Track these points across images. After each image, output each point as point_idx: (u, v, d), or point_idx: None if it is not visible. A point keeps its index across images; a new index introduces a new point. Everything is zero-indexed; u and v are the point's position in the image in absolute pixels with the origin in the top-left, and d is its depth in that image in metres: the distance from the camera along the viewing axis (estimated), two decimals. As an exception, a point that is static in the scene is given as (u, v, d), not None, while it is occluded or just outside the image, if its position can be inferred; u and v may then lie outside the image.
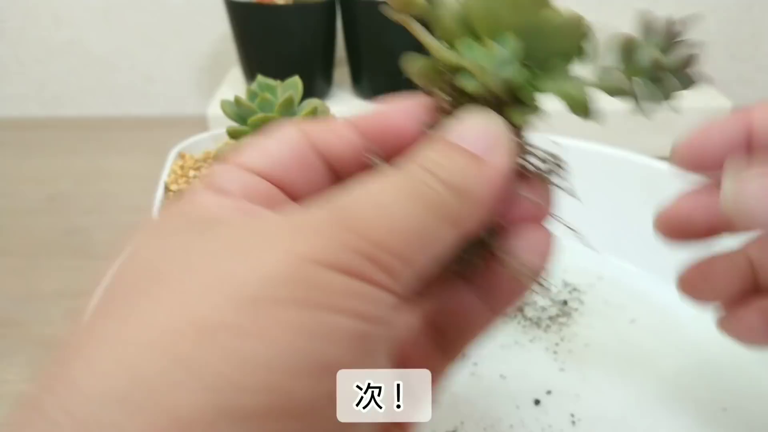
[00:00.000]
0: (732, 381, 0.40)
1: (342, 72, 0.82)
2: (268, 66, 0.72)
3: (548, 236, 0.20)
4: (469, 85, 0.18)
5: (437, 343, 0.20)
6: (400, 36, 0.83)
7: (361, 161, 0.20)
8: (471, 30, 0.19)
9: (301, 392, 0.13)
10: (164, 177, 0.36)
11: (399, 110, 0.20)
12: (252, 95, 0.37)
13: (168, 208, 0.18)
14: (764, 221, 0.19)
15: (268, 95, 0.37)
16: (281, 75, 0.41)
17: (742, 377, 0.40)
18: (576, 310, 0.47)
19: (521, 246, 0.19)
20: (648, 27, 0.18)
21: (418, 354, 0.20)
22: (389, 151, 0.20)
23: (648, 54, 0.18)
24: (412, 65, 0.20)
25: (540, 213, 0.19)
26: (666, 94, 0.18)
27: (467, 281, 0.20)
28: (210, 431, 0.12)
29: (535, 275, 0.19)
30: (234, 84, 0.81)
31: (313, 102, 0.37)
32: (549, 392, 0.39)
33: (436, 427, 0.36)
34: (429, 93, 0.20)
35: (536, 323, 0.45)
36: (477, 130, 0.18)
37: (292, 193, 0.19)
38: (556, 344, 0.43)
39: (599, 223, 0.52)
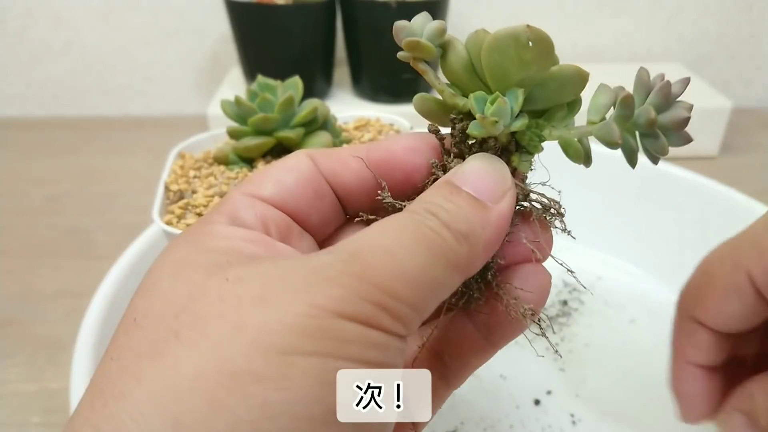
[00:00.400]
0: (732, 381, 0.40)
1: (342, 72, 0.83)
2: (268, 66, 0.72)
3: (546, 278, 0.20)
4: (476, 131, 0.19)
5: (440, 373, 0.22)
6: (400, 36, 0.82)
7: (366, 190, 0.21)
8: (480, 79, 0.20)
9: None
10: (164, 177, 0.36)
11: (407, 146, 0.21)
12: (252, 95, 0.37)
13: (185, 237, 0.18)
14: None
15: (268, 95, 0.37)
16: (281, 75, 0.41)
17: (742, 377, 0.40)
18: (576, 310, 0.47)
19: (520, 284, 0.20)
20: (645, 85, 0.19)
21: None
22: (395, 184, 0.21)
23: (645, 114, 0.18)
24: (422, 105, 0.21)
25: (539, 254, 0.20)
26: (658, 151, 0.19)
27: (468, 315, 0.21)
28: None
29: (531, 314, 0.20)
30: (234, 84, 0.81)
31: (313, 102, 0.37)
32: (549, 392, 0.39)
33: (436, 427, 0.36)
34: (435, 132, 0.21)
35: (536, 323, 0.45)
36: (482, 175, 0.19)
37: (304, 221, 0.20)
38: (556, 344, 0.43)
39: (599, 223, 0.52)
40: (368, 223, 0.20)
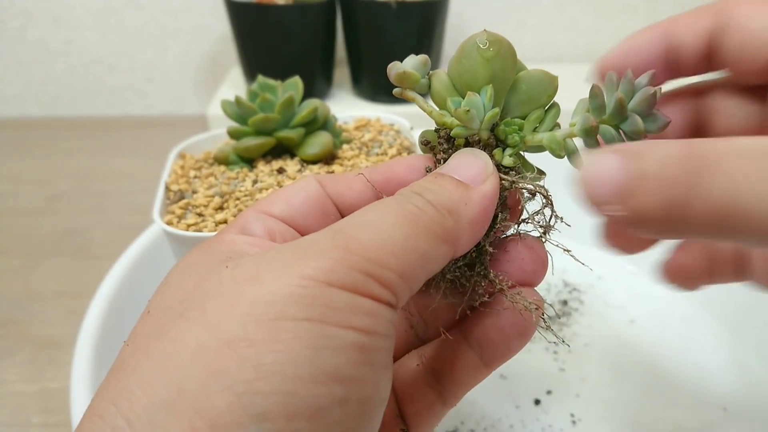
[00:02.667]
0: (732, 381, 0.40)
1: (342, 72, 0.83)
2: (268, 66, 0.72)
3: (541, 259, 0.22)
4: (459, 132, 0.21)
5: (437, 391, 0.23)
6: (400, 36, 0.83)
7: None
8: (459, 93, 0.22)
9: (310, 396, 0.15)
10: (165, 177, 0.36)
11: (404, 164, 0.23)
12: (252, 95, 0.37)
13: (199, 246, 0.20)
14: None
15: (268, 95, 0.37)
16: (281, 75, 0.41)
17: (742, 377, 0.40)
18: (576, 310, 0.47)
19: (514, 267, 0.22)
20: (614, 82, 0.21)
21: (421, 402, 0.23)
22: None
23: (614, 100, 0.20)
24: (422, 136, 0.24)
25: (534, 249, 0.22)
26: (636, 132, 0.20)
27: (463, 335, 0.22)
28: (237, 430, 0.14)
29: (536, 308, 0.21)
30: (234, 84, 0.81)
31: (313, 102, 0.37)
32: (549, 392, 0.39)
33: (436, 427, 0.36)
34: (426, 143, 0.23)
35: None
36: (463, 162, 0.21)
37: None
38: (556, 344, 0.43)
39: (599, 223, 0.52)
40: None
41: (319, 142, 0.36)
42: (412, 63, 0.23)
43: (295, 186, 0.22)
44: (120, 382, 0.15)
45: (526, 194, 0.22)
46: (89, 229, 0.63)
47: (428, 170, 0.23)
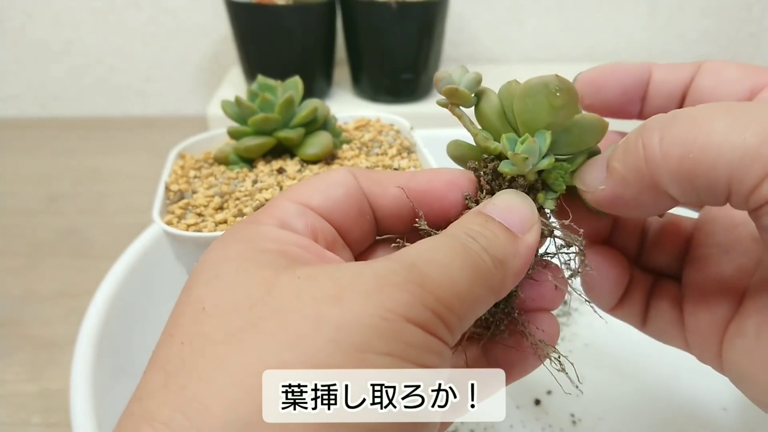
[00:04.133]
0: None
1: (342, 72, 0.83)
2: (268, 66, 0.72)
3: (557, 326, 0.23)
4: (507, 169, 0.21)
5: None
6: (400, 36, 0.83)
7: (401, 216, 0.22)
8: (510, 125, 0.22)
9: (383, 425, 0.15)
10: (165, 177, 0.36)
11: (444, 179, 0.22)
12: (252, 95, 0.37)
13: (235, 236, 0.19)
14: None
15: (268, 95, 0.37)
16: (281, 75, 0.41)
17: (742, 377, 0.40)
18: (576, 310, 0.47)
19: (535, 293, 0.22)
20: None
21: None
22: (430, 213, 0.22)
23: None
24: (455, 149, 0.24)
25: (560, 290, 0.22)
26: None
27: (482, 351, 0.23)
28: None
29: (557, 357, 0.22)
30: (234, 84, 0.81)
31: (313, 102, 0.37)
32: (549, 392, 0.39)
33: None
34: (474, 170, 0.23)
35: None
36: (511, 207, 0.20)
37: (346, 235, 0.21)
38: (556, 344, 0.43)
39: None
40: (400, 248, 0.22)
41: (319, 142, 0.36)
42: (466, 81, 0.22)
43: (332, 177, 0.21)
44: (186, 389, 0.15)
45: (562, 243, 0.22)
46: (89, 229, 0.63)
47: (467, 197, 0.22)
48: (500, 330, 0.22)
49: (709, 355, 0.24)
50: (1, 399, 0.42)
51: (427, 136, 0.39)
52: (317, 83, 0.76)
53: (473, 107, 0.23)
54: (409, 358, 0.16)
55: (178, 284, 0.19)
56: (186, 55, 0.89)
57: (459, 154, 0.24)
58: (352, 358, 0.15)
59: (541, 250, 0.22)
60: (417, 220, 0.22)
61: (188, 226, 0.31)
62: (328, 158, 0.37)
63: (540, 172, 0.22)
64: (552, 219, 0.22)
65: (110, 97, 0.92)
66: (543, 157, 0.21)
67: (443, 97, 0.23)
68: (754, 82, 0.23)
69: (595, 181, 0.21)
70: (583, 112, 0.22)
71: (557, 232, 0.22)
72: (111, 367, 0.35)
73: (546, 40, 0.89)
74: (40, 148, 0.82)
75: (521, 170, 0.21)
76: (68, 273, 0.56)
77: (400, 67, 0.72)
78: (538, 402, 0.39)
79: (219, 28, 0.86)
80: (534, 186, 0.22)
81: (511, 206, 0.21)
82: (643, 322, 0.27)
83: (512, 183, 0.22)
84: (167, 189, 0.35)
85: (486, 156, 0.23)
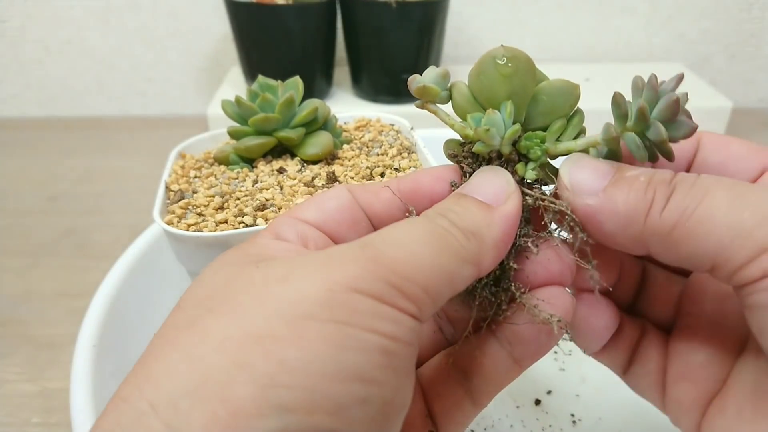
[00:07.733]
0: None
1: (342, 72, 0.83)
2: (269, 66, 0.72)
3: (569, 299, 0.22)
4: (480, 148, 0.22)
5: (467, 391, 0.23)
6: (400, 36, 0.83)
7: (395, 217, 0.23)
8: (481, 106, 0.23)
9: (332, 393, 0.15)
10: (165, 177, 0.36)
11: (431, 175, 0.23)
12: (253, 95, 0.37)
13: (233, 249, 0.21)
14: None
15: (268, 95, 0.37)
16: (281, 75, 0.41)
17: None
18: (576, 310, 0.47)
19: (539, 267, 0.22)
20: (638, 89, 0.21)
21: (449, 399, 0.23)
22: (422, 209, 0.22)
23: (636, 107, 0.20)
24: (447, 147, 0.24)
25: (558, 249, 0.22)
26: (658, 139, 0.20)
27: (493, 333, 0.23)
28: (259, 420, 0.14)
29: (557, 320, 0.21)
30: (234, 84, 0.81)
31: (313, 102, 0.37)
32: (549, 392, 0.39)
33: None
34: (453, 156, 0.24)
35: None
36: (485, 182, 0.21)
37: (342, 242, 0.22)
38: (557, 344, 0.43)
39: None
40: None
41: (319, 142, 0.36)
42: (431, 77, 0.23)
43: (327, 194, 0.23)
44: (145, 368, 0.16)
45: (549, 211, 0.22)
46: (89, 229, 0.63)
47: (453, 184, 0.23)
48: (502, 309, 0.22)
49: (685, 426, 0.23)
50: (1, 399, 0.42)
51: (428, 136, 0.39)
52: (317, 83, 0.76)
53: (451, 102, 0.23)
54: (356, 323, 0.16)
55: (178, 284, 0.19)
56: (186, 56, 0.89)
57: (449, 152, 0.24)
58: (293, 326, 0.16)
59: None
60: (407, 214, 0.23)
61: (189, 226, 0.31)
62: (329, 158, 0.37)
63: (515, 145, 0.22)
64: (545, 189, 0.22)
65: (110, 97, 0.92)
66: (510, 127, 0.21)
67: (420, 100, 0.23)
68: (763, 163, 0.23)
69: (584, 185, 0.20)
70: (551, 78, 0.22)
71: (544, 202, 0.21)
72: (111, 367, 0.35)
73: (546, 40, 0.89)
74: (40, 148, 0.82)
75: (489, 143, 0.21)
76: (68, 273, 0.55)
77: (400, 67, 0.73)
78: (538, 402, 0.39)
79: (219, 28, 0.86)
80: (510, 159, 0.22)
81: (483, 181, 0.21)
82: (623, 372, 0.26)
83: (490, 162, 0.22)
84: (167, 189, 0.35)
85: (463, 142, 0.23)
